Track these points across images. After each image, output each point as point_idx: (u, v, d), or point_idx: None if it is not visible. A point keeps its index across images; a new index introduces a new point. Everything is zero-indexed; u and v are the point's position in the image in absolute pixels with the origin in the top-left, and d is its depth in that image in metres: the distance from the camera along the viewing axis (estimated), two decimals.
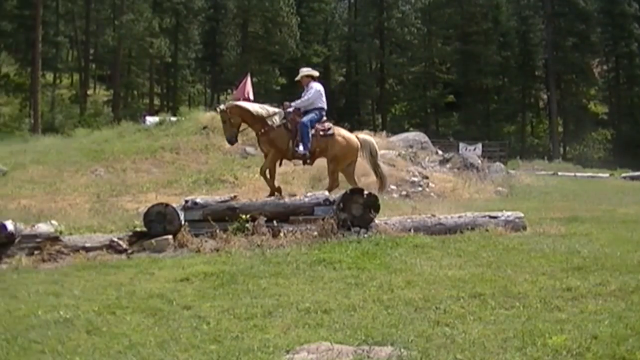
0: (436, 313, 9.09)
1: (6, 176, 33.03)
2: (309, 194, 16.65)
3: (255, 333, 8.61)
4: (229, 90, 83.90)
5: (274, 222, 15.37)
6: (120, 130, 44.10)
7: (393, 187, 31.04)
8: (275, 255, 13.35)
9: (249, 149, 37.50)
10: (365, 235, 14.55)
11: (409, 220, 15.51)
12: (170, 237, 14.95)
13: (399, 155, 38.15)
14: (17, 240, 15.13)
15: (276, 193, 17.01)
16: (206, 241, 14.84)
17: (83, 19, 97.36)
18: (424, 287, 10.34)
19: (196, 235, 15.07)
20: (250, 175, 31.58)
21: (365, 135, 19.45)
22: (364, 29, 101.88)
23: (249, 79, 28.43)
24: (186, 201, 16.08)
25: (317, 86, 17.85)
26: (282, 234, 14.90)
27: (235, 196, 16.45)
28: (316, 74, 18.69)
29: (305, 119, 17.26)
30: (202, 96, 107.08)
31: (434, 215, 15.99)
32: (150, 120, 50.61)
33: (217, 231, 15.03)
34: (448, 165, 40.41)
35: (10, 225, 15.10)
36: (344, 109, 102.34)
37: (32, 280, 12.60)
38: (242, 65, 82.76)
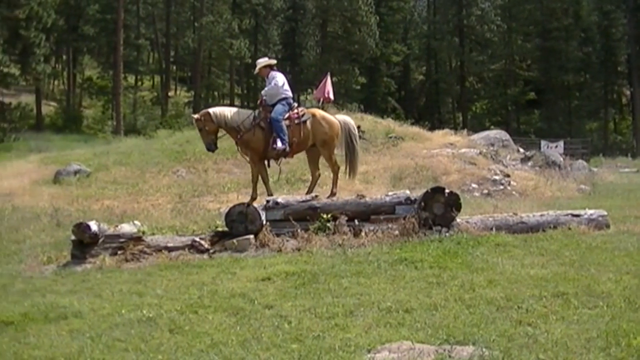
0: (518, 312, 9.05)
1: (90, 177, 33.47)
2: (390, 193, 16.60)
3: (336, 332, 8.66)
4: (309, 90, 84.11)
5: (355, 221, 15.38)
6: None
7: (474, 185, 30.89)
8: (356, 254, 13.37)
9: None
10: (447, 234, 14.49)
11: (490, 219, 15.40)
12: (252, 236, 15.04)
13: (480, 153, 37.95)
14: (100, 241, 15.38)
15: (252, 203, 16.64)
16: (287, 241, 14.91)
17: (163, 21, 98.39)
18: (506, 286, 10.29)
19: (278, 235, 15.14)
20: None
21: (343, 115, 18.90)
22: (444, 26, 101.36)
23: (329, 78, 28.41)
24: (267, 201, 16.15)
25: (277, 75, 17.61)
26: (363, 233, 14.91)
27: (316, 196, 16.46)
28: (273, 62, 18.54)
29: (274, 113, 16.98)
30: None
31: (515, 214, 15.85)
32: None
33: (299, 231, 15.09)
34: (530, 163, 40.10)
35: (94, 226, 15.35)
36: (425, 108, 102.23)
37: (115, 279, 12.81)
38: (322, 65, 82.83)
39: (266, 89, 17.55)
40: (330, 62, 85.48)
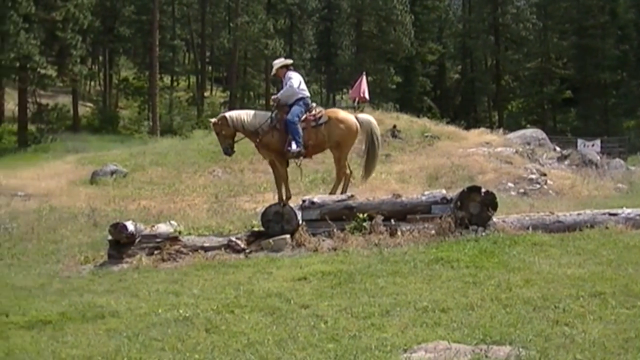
0: (555, 312, 9.01)
1: (126, 178, 33.70)
2: (426, 192, 16.56)
3: (372, 332, 8.66)
4: (345, 90, 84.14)
5: (391, 220, 15.35)
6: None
7: (510, 184, 30.80)
8: (392, 254, 13.35)
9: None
10: (483, 234, 14.43)
11: (527, 218, 15.32)
12: (288, 236, 15.05)
13: (516, 152, 37.87)
14: (137, 240, 15.46)
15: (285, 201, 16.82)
16: (324, 240, 14.89)
17: (199, 22, 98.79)
18: (543, 286, 10.24)
19: (314, 235, 15.14)
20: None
21: (366, 115, 18.56)
22: (479, 25, 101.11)
23: (364, 77, 28.40)
24: (304, 201, 16.15)
25: (294, 75, 17.37)
26: (399, 233, 14.87)
27: (352, 195, 16.44)
28: (290, 62, 18.29)
29: (290, 115, 16.84)
30: (317, 96, 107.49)
31: (552, 213, 15.76)
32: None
33: (335, 230, 15.07)
34: (566, 162, 39.92)
35: (130, 226, 15.43)
36: (460, 107, 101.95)
37: (152, 279, 12.88)
38: (357, 65, 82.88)
39: (282, 91, 17.44)
40: (366, 62, 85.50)
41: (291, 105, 17.05)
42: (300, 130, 16.77)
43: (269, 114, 17.35)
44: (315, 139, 17.01)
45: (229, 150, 17.57)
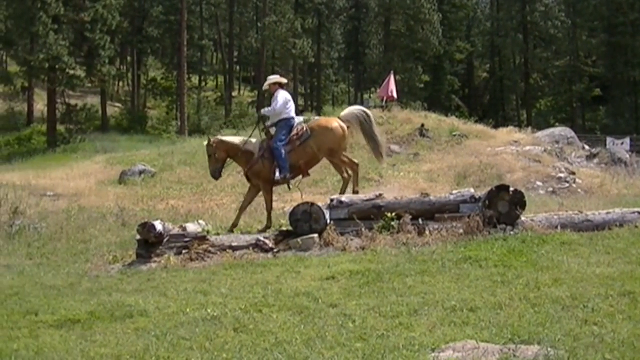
0: (584, 312, 8.96)
1: (155, 177, 33.84)
2: (454, 191, 16.52)
3: (401, 331, 8.64)
4: (373, 89, 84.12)
5: (420, 220, 15.32)
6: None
7: (539, 183, 30.71)
8: (421, 253, 13.33)
9: (394, 147, 37.58)
10: (512, 233, 14.37)
11: (555, 217, 15.25)
12: (316, 236, 15.04)
13: (545, 151, 37.75)
14: (165, 240, 15.50)
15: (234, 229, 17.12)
16: (352, 240, 14.88)
17: (227, 22, 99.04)
18: (572, 285, 10.19)
19: (342, 234, 15.13)
20: (396, 173, 31.66)
21: (348, 109, 18.44)
22: (508, 23, 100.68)
23: (392, 77, 28.37)
24: (332, 200, 16.14)
25: (283, 94, 17.41)
26: (427, 232, 14.84)
27: (380, 195, 16.42)
28: (284, 81, 18.37)
29: (274, 141, 17.02)
30: (345, 95, 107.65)
31: (581, 212, 15.69)
32: (295, 119, 51.04)
33: (363, 230, 15.06)
34: (595, 161, 39.75)
35: (159, 225, 15.48)
36: (489, 106, 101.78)
37: (181, 278, 12.92)
38: (386, 64, 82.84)
39: (268, 108, 17.60)
40: (394, 61, 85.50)
41: (276, 125, 17.29)
42: (284, 155, 16.89)
43: (260, 141, 17.48)
44: (305, 156, 17.16)
45: (217, 174, 17.82)
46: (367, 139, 17.89)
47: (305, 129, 17.35)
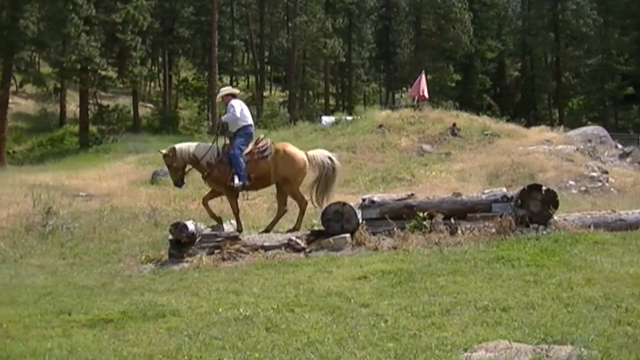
0: (617, 312, 8.91)
1: (186, 177, 33.85)
2: (486, 191, 16.47)
3: (432, 331, 8.63)
4: (404, 89, 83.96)
5: (452, 219, 15.29)
6: (297, 131, 44.65)
7: (571, 182, 30.54)
8: (452, 252, 13.31)
9: (426, 147, 37.49)
10: (544, 232, 14.33)
11: (588, 217, 15.18)
12: (348, 235, 15.06)
13: (577, 150, 37.51)
14: (197, 240, 15.56)
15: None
16: (384, 239, 14.88)
17: (257, 22, 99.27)
18: (605, 285, 10.14)
19: (374, 234, 15.12)
20: (427, 172, 31.56)
21: (319, 151, 18.15)
22: (538, 22, 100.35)
23: (423, 76, 28.31)
24: (364, 199, 16.14)
25: (236, 103, 17.31)
26: (459, 232, 14.82)
27: (412, 194, 16.40)
28: (236, 91, 18.31)
29: (232, 148, 16.96)
30: (377, 95, 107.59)
31: (614, 211, 15.61)
32: (327, 120, 51.07)
33: (395, 229, 15.05)
34: (628, 160, 39.47)
35: (191, 225, 15.55)
36: (520, 105, 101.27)
37: (213, 278, 12.97)
38: (416, 63, 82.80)
39: (225, 116, 17.49)
40: (425, 60, 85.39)
41: (235, 136, 17.17)
42: (243, 163, 16.84)
43: (215, 145, 17.35)
44: (258, 171, 17.04)
45: (179, 182, 17.79)
46: (319, 184, 17.46)
47: (269, 145, 17.28)
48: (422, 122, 42.14)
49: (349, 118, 46.88)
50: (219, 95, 18.25)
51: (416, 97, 47.69)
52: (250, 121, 17.51)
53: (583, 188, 30.07)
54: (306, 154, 17.41)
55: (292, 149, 17.46)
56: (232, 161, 16.81)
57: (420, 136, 40.01)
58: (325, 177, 17.33)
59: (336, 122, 45.03)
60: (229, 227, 16.50)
